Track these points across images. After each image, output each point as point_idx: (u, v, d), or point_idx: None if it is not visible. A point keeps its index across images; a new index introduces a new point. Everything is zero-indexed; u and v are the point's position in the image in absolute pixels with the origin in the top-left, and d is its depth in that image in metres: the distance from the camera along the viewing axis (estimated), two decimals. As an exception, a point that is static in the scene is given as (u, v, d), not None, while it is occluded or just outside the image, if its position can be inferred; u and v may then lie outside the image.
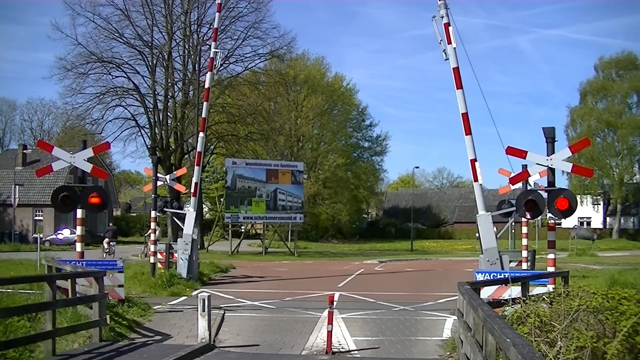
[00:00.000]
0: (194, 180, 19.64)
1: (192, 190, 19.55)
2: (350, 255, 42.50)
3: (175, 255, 18.79)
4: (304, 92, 60.69)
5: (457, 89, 15.11)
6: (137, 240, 52.72)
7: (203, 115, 19.64)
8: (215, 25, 22.19)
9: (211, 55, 19.49)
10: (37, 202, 46.87)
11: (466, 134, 14.83)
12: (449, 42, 15.29)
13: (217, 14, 22.00)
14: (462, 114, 14.89)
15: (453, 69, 15.27)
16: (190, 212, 19.05)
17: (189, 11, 40.99)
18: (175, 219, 20.01)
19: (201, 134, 19.77)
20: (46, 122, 74.84)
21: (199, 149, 20.14)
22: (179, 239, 19.07)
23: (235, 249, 38.80)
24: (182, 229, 18.86)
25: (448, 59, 15.13)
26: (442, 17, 15.25)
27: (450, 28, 15.30)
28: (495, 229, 14.61)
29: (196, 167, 19.71)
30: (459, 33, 15.19)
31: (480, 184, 14.86)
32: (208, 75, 19.83)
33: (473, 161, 14.77)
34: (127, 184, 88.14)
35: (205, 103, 19.72)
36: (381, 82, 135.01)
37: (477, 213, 14.56)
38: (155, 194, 19.29)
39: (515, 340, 4.20)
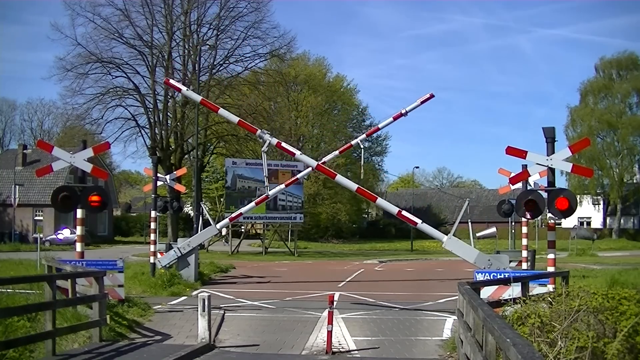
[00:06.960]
0: (241, 210, 21.31)
1: (233, 215, 21.81)
2: (350, 255, 42.49)
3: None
4: (304, 92, 60.61)
5: (333, 178, 16.98)
6: (137, 240, 52.77)
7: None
8: None
9: None
10: (37, 202, 46.86)
11: (374, 201, 17.24)
12: (293, 154, 17.27)
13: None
14: (356, 189, 16.71)
15: (316, 167, 17.26)
16: (214, 228, 20.00)
17: (189, 11, 40.96)
18: (200, 217, 20.59)
19: (282, 185, 21.66)
20: (46, 122, 75.04)
21: (269, 193, 20.38)
22: (179, 239, 19.11)
23: (235, 249, 38.83)
24: (187, 229, 19.04)
25: (267, 188, 18.62)
26: (268, 143, 16.59)
27: (283, 144, 17.12)
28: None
29: (252, 204, 21.10)
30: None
31: (422, 222, 15.83)
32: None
33: (399, 212, 15.94)
34: (127, 184, 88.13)
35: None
36: (381, 82, 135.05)
37: (443, 243, 15.26)
38: (155, 194, 19.30)
39: (515, 340, 4.19)
